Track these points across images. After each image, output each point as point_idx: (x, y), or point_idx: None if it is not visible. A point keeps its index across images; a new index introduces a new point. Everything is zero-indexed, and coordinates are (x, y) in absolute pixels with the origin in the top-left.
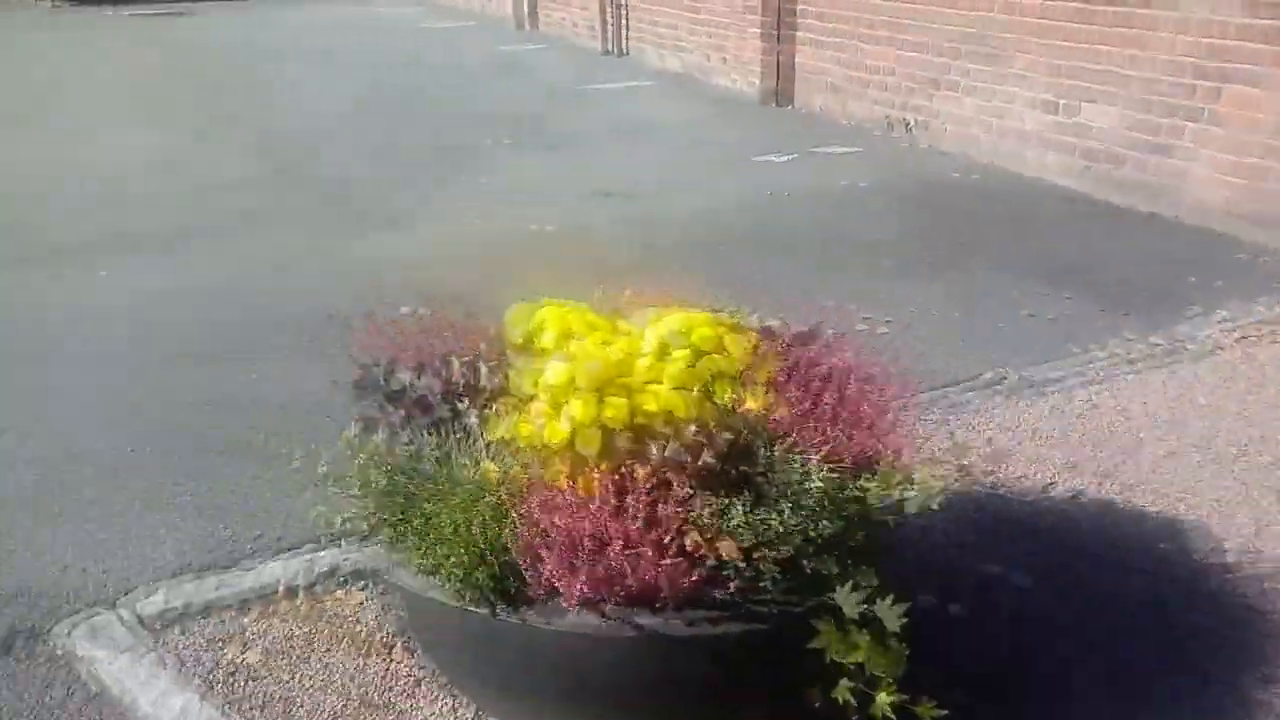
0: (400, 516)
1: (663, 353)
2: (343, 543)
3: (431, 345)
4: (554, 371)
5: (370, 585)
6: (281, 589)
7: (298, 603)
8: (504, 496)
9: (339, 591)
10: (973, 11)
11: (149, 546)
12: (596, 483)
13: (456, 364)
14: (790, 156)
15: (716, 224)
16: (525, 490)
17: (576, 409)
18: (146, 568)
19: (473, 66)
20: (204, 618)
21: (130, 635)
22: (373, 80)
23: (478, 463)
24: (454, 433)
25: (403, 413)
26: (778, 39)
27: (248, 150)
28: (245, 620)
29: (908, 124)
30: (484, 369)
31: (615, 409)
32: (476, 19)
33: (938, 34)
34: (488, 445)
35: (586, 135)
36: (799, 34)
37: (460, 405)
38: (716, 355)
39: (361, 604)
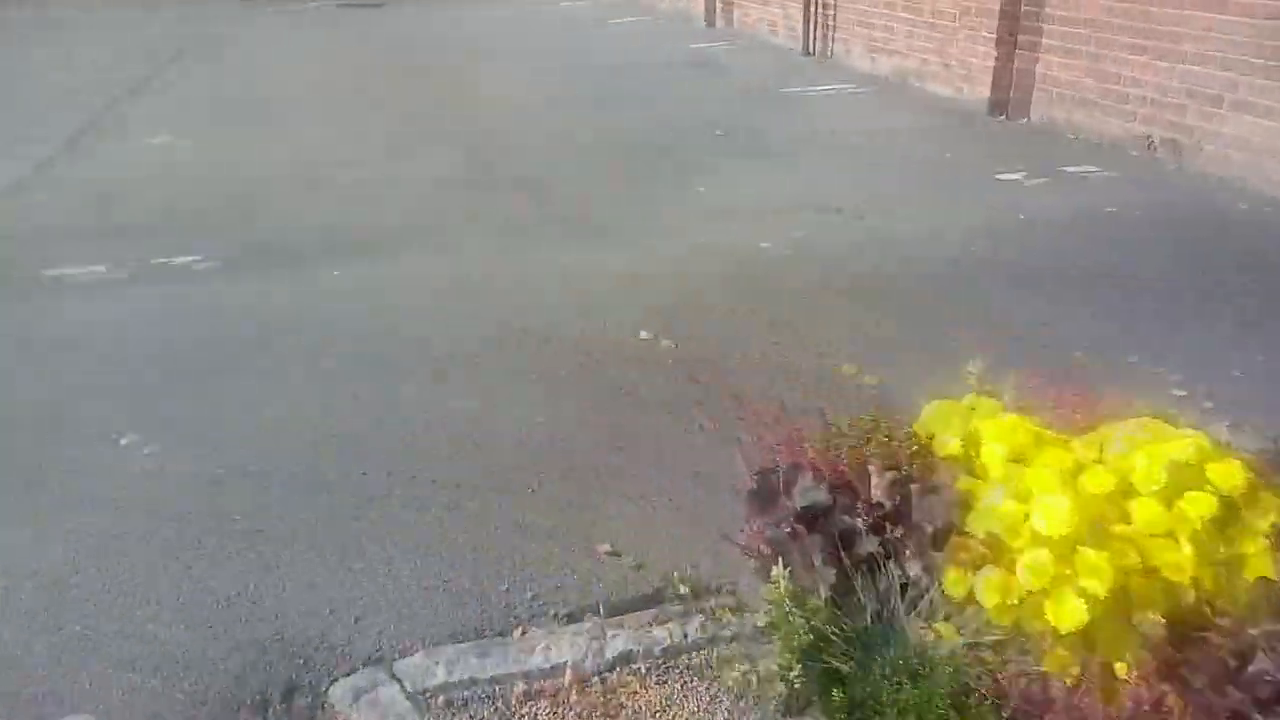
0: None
1: (1171, 493)
2: (626, 622)
3: (833, 445)
4: (1051, 516)
5: (671, 676)
6: (569, 675)
7: (590, 694)
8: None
9: (636, 685)
10: (1271, 20)
11: (413, 594)
12: (1121, 685)
13: (879, 479)
14: (1040, 178)
15: (964, 251)
16: (1007, 683)
17: (1095, 581)
18: (415, 623)
19: (665, 65)
20: (488, 701)
21: (415, 713)
22: (563, 77)
23: (927, 628)
24: (888, 577)
25: (820, 541)
26: (1014, 45)
27: (450, 147)
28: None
29: (1177, 145)
30: (914, 491)
31: (1139, 585)
32: (656, 14)
33: (1223, 44)
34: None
35: (797, 143)
36: (1043, 40)
37: (890, 536)
38: (1244, 508)
39: (666, 703)
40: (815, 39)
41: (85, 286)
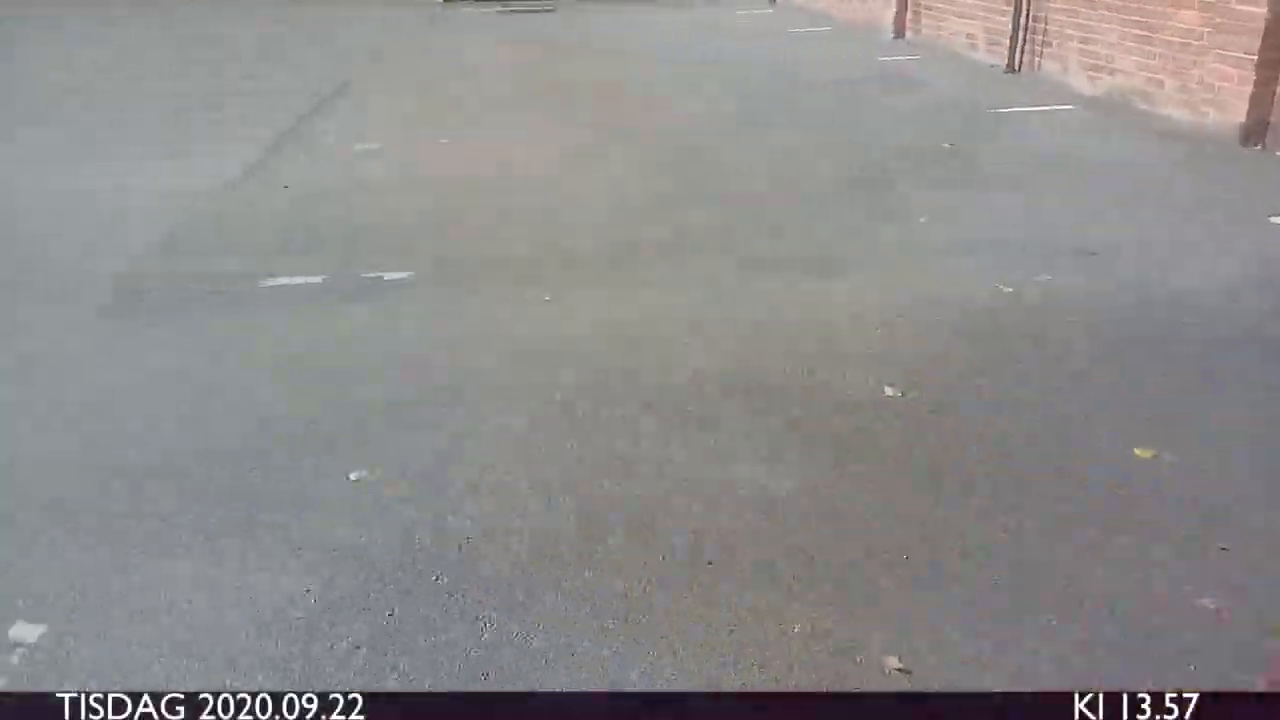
0: None
1: None
2: None
3: None
4: None
5: None
6: None
7: None
8: None
9: None
10: None
11: None
12: None
13: None
14: None
15: (1249, 307)
16: None
17: None
18: None
19: (855, 79)
20: None
21: None
22: (751, 89)
23: None
24: None
25: None
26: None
27: (648, 162)
28: None
29: None
30: None
31: None
32: (837, 24)
33: None
34: None
35: (1023, 170)
36: None
37: None
38: None
39: None
40: (1022, 53)
41: (302, 299)
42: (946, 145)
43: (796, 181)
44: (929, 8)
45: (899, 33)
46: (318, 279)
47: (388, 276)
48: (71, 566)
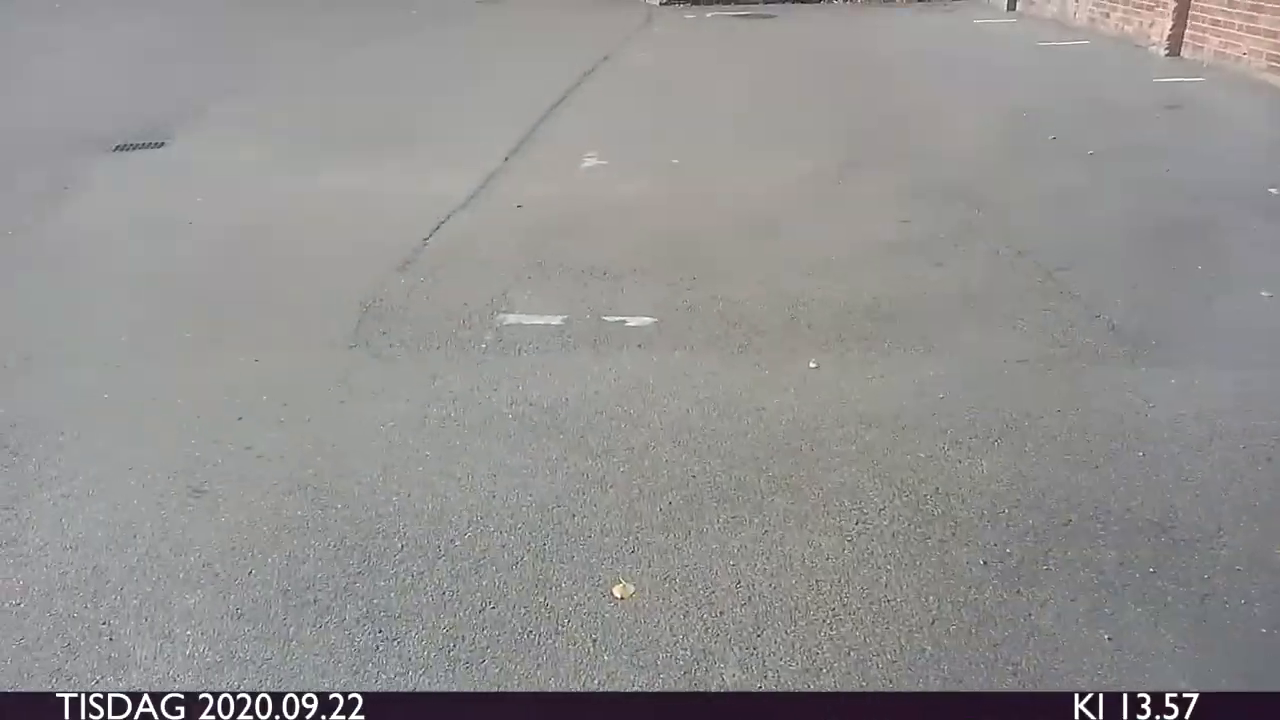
0: None
1: None
2: None
3: None
4: None
5: None
6: None
7: None
8: None
9: None
10: None
11: None
12: None
13: None
14: None
15: None
16: None
17: None
18: None
19: (1131, 105)
20: None
21: None
22: (1008, 109)
23: None
24: None
25: None
26: None
27: (904, 192)
28: None
29: None
30: None
31: None
32: (1097, 37)
33: None
34: None
35: None
36: None
37: None
38: None
39: None
40: None
41: (539, 343)
42: (1262, 196)
43: (1097, 232)
44: (1216, 22)
45: (1173, 50)
46: (556, 320)
47: (630, 322)
48: None
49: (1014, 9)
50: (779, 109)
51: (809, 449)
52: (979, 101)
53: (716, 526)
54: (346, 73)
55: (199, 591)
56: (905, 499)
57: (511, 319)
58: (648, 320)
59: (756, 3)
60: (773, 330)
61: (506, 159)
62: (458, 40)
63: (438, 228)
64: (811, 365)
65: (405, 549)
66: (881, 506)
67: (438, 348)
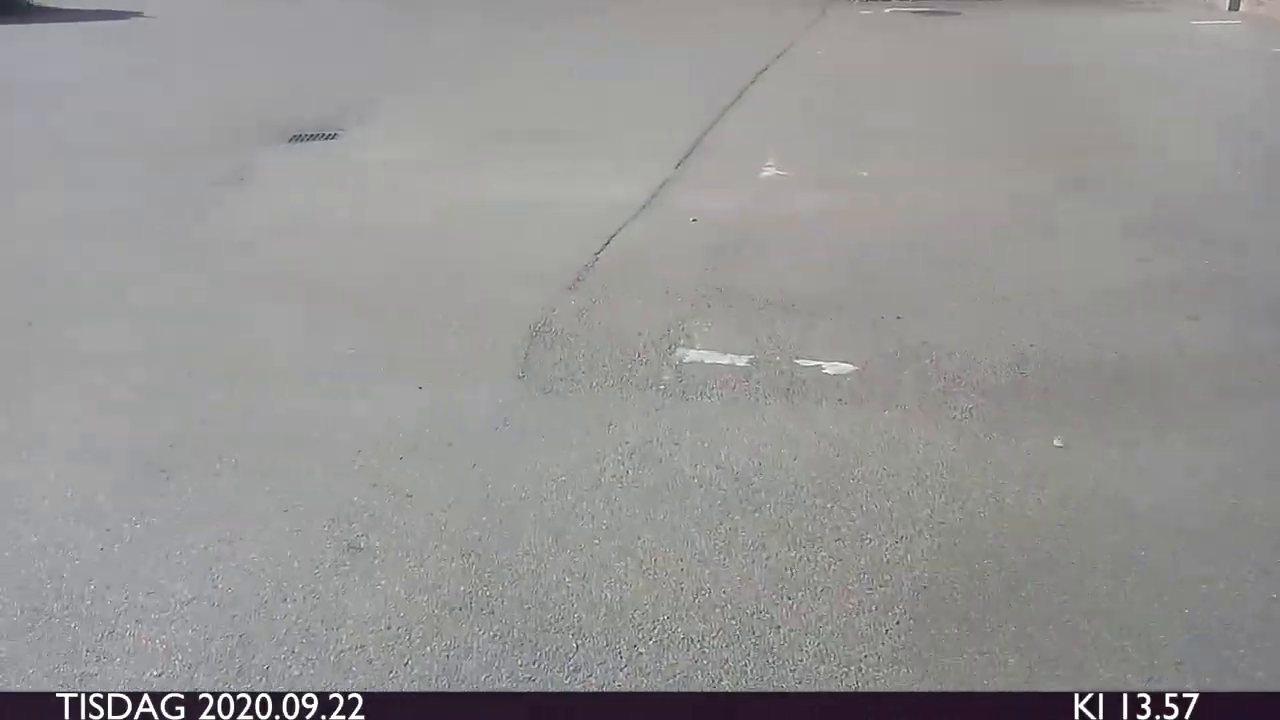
0: None
1: None
2: None
3: None
4: None
5: None
6: None
7: None
8: None
9: None
10: None
11: None
12: None
13: None
14: None
15: None
16: None
17: None
18: None
19: None
20: None
21: None
22: (1243, 129)
23: None
24: None
25: None
26: None
27: (1132, 224)
28: None
29: None
30: None
31: None
32: None
33: None
34: None
35: None
36: None
37: None
38: None
39: None
40: None
41: (722, 389)
42: None
43: None
44: None
45: None
46: (741, 360)
47: (827, 368)
48: None
49: (1237, 8)
50: (971, 117)
51: (1071, 563)
52: (1207, 120)
53: (963, 664)
54: (512, 66)
55: (349, 679)
56: (1212, 654)
57: (691, 356)
58: (847, 368)
59: None
60: (999, 392)
61: (678, 165)
62: (624, 28)
63: (608, 241)
64: (1057, 444)
65: (581, 650)
66: (1180, 659)
67: (611, 385)
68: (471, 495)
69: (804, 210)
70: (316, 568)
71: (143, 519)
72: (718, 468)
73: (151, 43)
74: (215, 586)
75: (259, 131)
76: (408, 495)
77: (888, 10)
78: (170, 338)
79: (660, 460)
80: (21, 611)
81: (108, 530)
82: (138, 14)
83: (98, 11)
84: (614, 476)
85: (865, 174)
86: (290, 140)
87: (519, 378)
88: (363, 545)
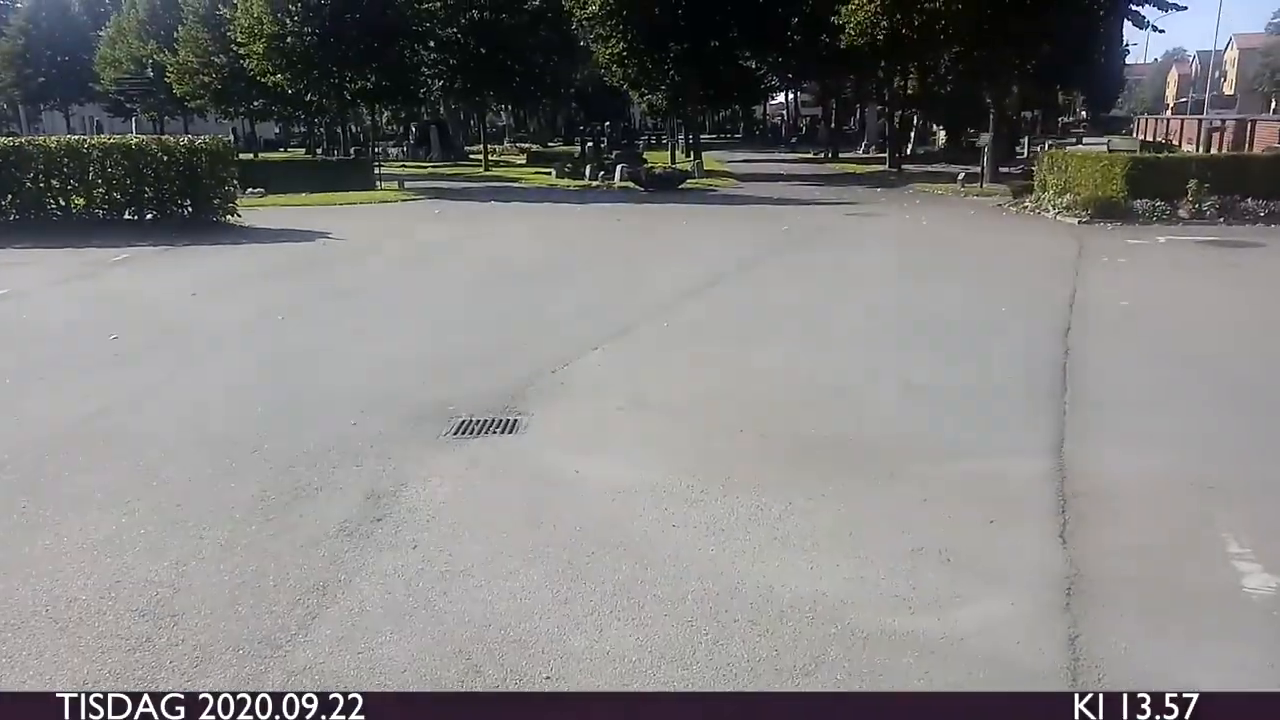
0: None
1: None
2: None
3: None
4: None
5: None
6: None
7: None
8: None
9: None
10: None
11: None
12: None
13: None
14: None
15: None
16: None
17: None
18: None
19: None
20: None
21: None
22: None
23: None
24: None
25: None
26: None
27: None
28: None
29: None
30: None
31: None
32: None
33: None
34: None
35: None
36: None
37: None
38: None
39: None
40: None
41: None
42: None
43: None
44: None
45: None
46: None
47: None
48: None
49: None
50: None
51: None
52: None
53: None
54: (740, 311)
55: None
56: None
57: None
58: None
59: (1220, 222)
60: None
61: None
62: (851, 266)
63: None
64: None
65: None
66: None
67: None
68: None
69: None
70: None
71: None
72: None
73: (319, 277)
74: None
75: (417, 420)
76: None
77: (1162, 240)
78: None
79: None
80: None
81: None
82: (325, 235)
83: (283, 232)
84: None
85: None
86: (455, 434)
87: None
88: None
